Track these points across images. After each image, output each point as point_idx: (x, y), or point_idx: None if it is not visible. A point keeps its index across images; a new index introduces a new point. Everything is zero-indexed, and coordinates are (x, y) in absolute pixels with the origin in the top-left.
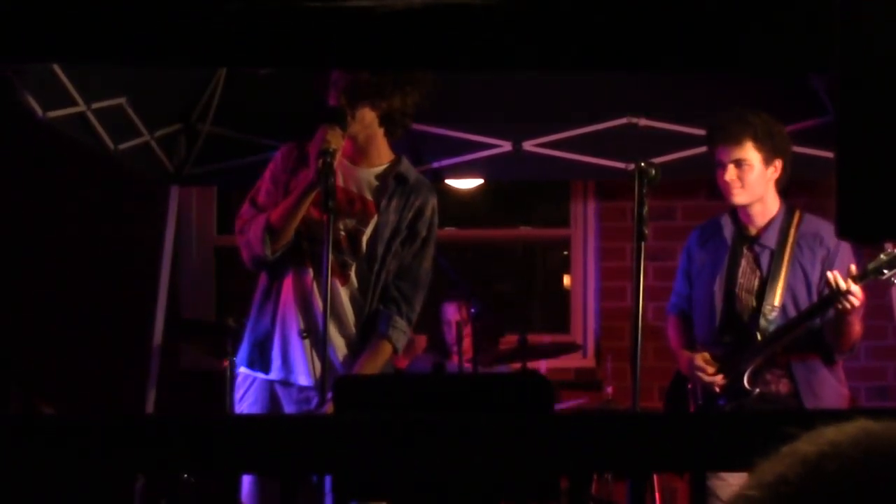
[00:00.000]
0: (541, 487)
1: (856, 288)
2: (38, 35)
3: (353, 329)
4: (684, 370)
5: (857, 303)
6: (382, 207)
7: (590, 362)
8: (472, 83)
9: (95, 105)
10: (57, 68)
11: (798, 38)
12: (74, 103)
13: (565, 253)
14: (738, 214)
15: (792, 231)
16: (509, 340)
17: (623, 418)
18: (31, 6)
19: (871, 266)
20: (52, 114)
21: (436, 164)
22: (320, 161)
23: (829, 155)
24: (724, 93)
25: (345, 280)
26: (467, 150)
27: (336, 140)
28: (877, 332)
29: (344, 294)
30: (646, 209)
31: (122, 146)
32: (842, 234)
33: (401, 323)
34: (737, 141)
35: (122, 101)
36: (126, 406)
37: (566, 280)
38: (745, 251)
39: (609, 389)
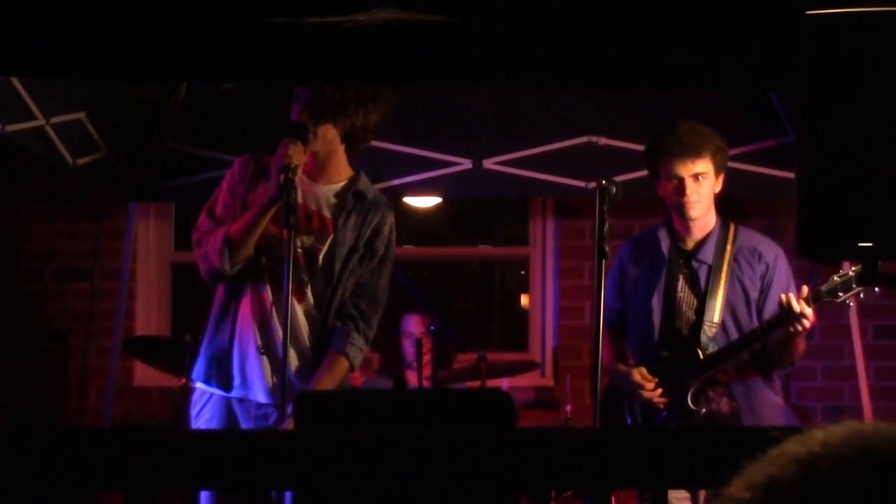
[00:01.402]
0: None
1: (809, 311)
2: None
3: (307, 344)
4: (620, 385)
5: (808, 325)
6: (340, 225)
7: (548, 381)
8: (432, 101)
9: (54, 119)
10: (16, 82)
11: (762, 57)
12: (33, 117)
13: (522, 272)
14: (675, 228)
15: (728, 246)
16: (467, 359)
17: (584, 435)
18: None
19: (824, 288)
20: (11, 128)
21: (396, 182)
22: (282, 176)
23: (789, 175)
24: (683, 112)
25: (301, 297)
26: (427, 168)
27: (298, 155)
28: (833, 353)
29: (300, 311)
30: (607, 227)
31: (81, 161)
32: (801, 253)
33: (358, 339)
34: (698, 154)
35: (81, 115)
36: (80, 422)
37: (524, 299)
38: (682, 266)
39: (568, 408)
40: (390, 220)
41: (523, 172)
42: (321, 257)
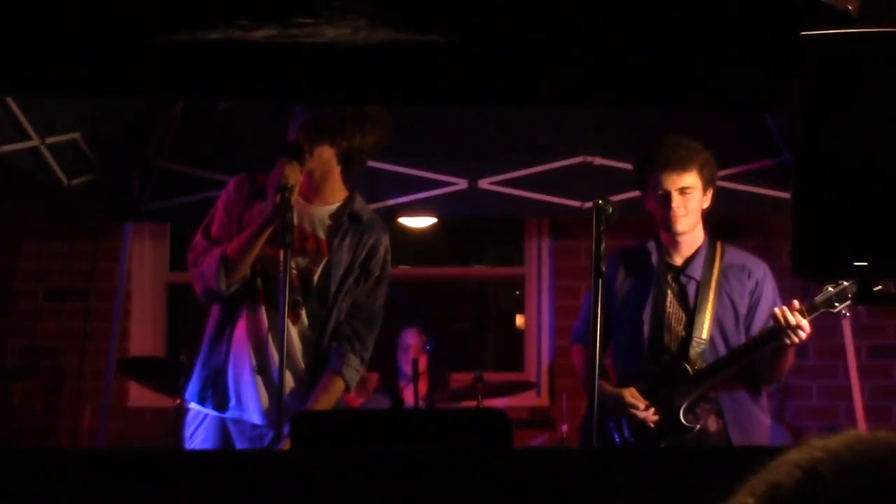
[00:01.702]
0: None
1: (804, 322)
2: None
3: (301, 364)
4: (608, 406)
5: (804, 336)
6: (335, 246)
7: (543, 401)
8: (428, 121)
9: (49, 140)
10: (11, 102)
11: (757, 76)
12: (28, 137)
13: (517, 293)
14: (664, 243)
15: (717, 262)
16: (463, 378)
17: (581, 455)
18: None
19: (819, 299)
20: (6, 148)
21: (391, 201)
22: (278, 196)
23: (783, 195)
24: (678, 132)
25: (295, 319)
26: (423, 188)
27: (294, 175)
28: (828, 372)
29: (294, 332)
30: (603, 246)
31: (76, 181)
32: (797, 272)
33: (354, 360)
34: (684, 168)
35: (76, 136)
36: (75, 443)
37: (518, 319)
38: (670, 281)
39: (564, 428)
40: (385, 241)
41: (519, 192)
42: (316, 278)
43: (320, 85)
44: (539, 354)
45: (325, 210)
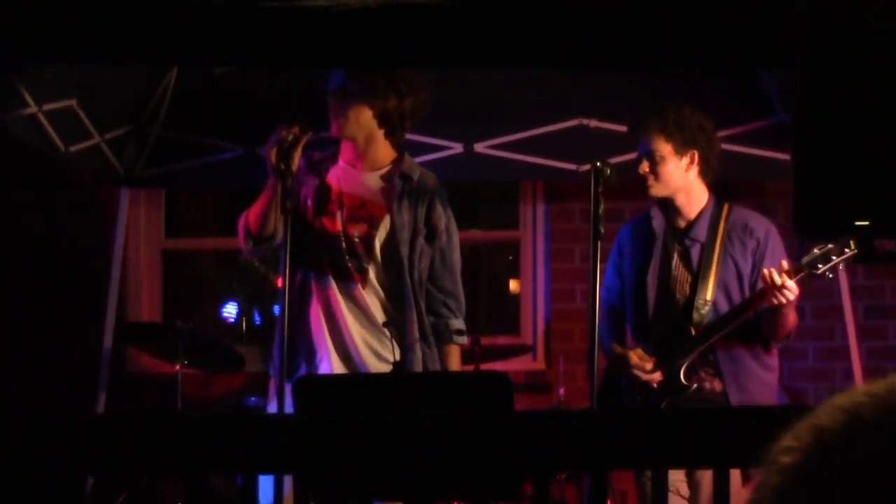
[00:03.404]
0: (502, 487)
1: (791, 283)
2: None
3: (380, 325)
4: (619, 367)
5: (792, 297)
6: (395, 209)
7: (540, 364)
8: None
9: (46, 106)
10: (8, 69)
11: (752, 36)
12: (25, 105)
13: (510, 257)
14: (667, 207)
15: (721, 224)
16: None
17: (583, 416)
18: None
19: (805, 260)
20: (3, 116)
21: None
22: (273, 151)
23: (780, 156)
24: (674, 94)
25: (364, 283)
26: (419, 152)
27: (293, 129)
28: (825, 333)
29: (365, 295)
30: (601, 208)
31: (73, 148)
32: (798, 231)
33: (455, 322)
34: (646, 133)
35: (72, 102)
36: (73, 410)
37: (513, 283)
38: (675, 245)
39: (561, 391)
40: (441, 194)
41: (515, 156)
42: (380, 244)
43: (315, 49)
44: (535, 318)
45: (374, 175)
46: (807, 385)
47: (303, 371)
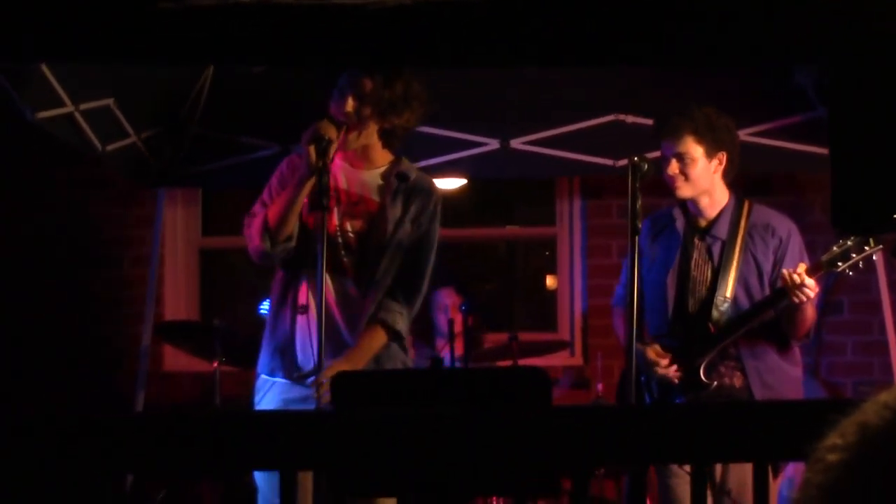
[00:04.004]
0: (541, 483)
1: (810, 281)
2: (27, 36)
3: (358, 320)
4: (639, 363)
5: (812, 295)
6: (388, 203)
7: (578, 360)
8: (459, 81)
9: (83, 106)
10: (45, 69)
11: (787, 31)
12: (63, 104)
13: (547, 253)
14: (688, 207)
15: (742, 222)
16: (497, 339)
17: (623, 412)
18: (18, 8)
19: (824, 259)
20: (41, 114)
21: (423, 163)
22: (312, 148)
23: (817, 150)
24: (709, 89)
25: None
26: (455, 149)
27: (330, 131)
28: (863, 328)
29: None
30: (639, 203)
31: (110, 147)
32: (836, 224)
33: (393, 304)
34: (677, 135)
35: (109, 102)
36: (112, 409)
37: (549, 279)
38: (696, 242)
39: (599, 387)
40: (435, 198)
41: (551, 152)
42: (369, 237)
43: (351, 48)
44: (572, 314)
45: (373, 173)
46: (845, 380)
47: (279, 367)
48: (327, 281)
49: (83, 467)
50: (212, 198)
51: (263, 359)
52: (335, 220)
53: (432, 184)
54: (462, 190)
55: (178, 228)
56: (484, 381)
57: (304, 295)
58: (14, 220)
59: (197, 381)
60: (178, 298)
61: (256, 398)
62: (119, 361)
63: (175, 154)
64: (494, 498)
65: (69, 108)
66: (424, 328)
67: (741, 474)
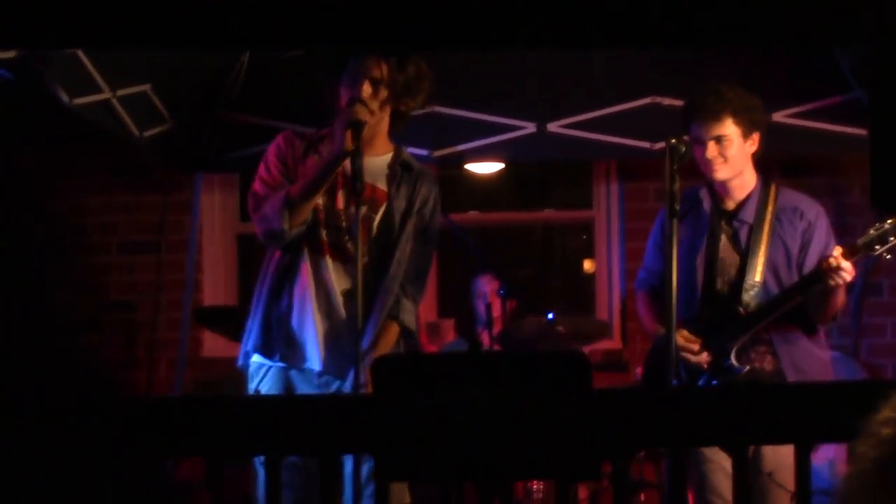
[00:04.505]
0: (581, 466)
1: (846, 264)
2: (64, 22)
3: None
4: (664, 348)
5: (848, 278)
6: (392, 193)
7: (616, 344)
8: (495, 65)
9: (120, 92)
10: (82, 55)
11: (826, 12)
12: (100, 90)
13: (584, 237)
14: (716, 189)
15: (770, 205)
16: (533, 323)
17: (663, 394)
18: None
19: (861, 242)
20: (79, 101)
21: (460, 147)
22: (348, 132)
23: (854, 131)
24: (747, 70)
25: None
26: (491, 133)
27: (364, 113)
28: None
29: (359, 275)
30: (677, 185)
31: (147, 133)
32: (876, 204)
33: (408, 304)
34: (716, 117)
35: (146, 87)
36: (152, 394)
37: (587, 263)
38: (723, 226)
39: (638, 370)
40: (435, 189)
41: (588, 135)
42: (375, 225)
43: (386, 31)
44: (610, 297)
45: (379, 160)
46: (885, 361)
47: (275, 348)
48: (329, 264)
49: (124, 452)
50: (249, 182)
51: (255, 338)
52: (340, 203)
53: (432, 176)
54: (499, 174)
55: (215, 214)
56: (524, 364)
57: (306, 278)
58: (53, 206)
59: (235, 365)
60: (216, 284)
61: (251, 385)
62: (158, 346)
63: (212, 140)
64: (535, 482)
65: (106, 94)
66: (464, 316)
67: (779, 455)
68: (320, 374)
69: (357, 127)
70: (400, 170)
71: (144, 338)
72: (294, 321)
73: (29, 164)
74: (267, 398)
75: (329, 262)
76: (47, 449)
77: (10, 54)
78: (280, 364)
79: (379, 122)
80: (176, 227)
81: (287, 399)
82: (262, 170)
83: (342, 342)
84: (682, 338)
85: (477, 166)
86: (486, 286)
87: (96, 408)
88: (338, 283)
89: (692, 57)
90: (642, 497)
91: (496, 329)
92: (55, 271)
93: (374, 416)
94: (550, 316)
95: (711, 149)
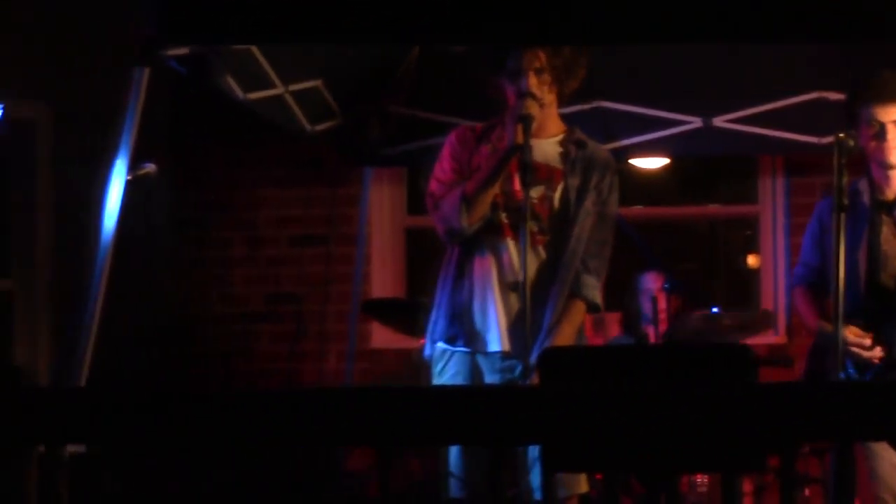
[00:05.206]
0: (748, 459)
1: None
2: (239, 19)
3: (542, 288)
4: (830, 345)
5: None
6: (567, 171)
7: (781, 339)
8: (661, 59)
9: (292, 87)
10: (256, 51)
11: None
12: (273, 85)
13: (748, 232)
14: (875, 180)
15: None
16: (698, 317)
17: (830, 388)
18: None
19: None
20: (251, 95)
21: (625, 141)
22: (518, 126)
23: None
24: None
25: (543, 243)
26: (657, 127)
27: (533, 108)
28: None
29: (536, 260)
30: (845, 180)
31: (318, 128)
32: None
33: (589, 279)
34: (891, 101)
35: (318, 83)
36: (320, 384)
37: (751, 258)
38: (883, 217)
39: (801, 366)
40: (613, 168)
41: (754, 129)
42: (555, 203)
43: (551, 27)
44: (776, 292)
45: (551, 141)
46: None
47: (459, 335)
48: (509, 245)
49: (296, 440)
50: (418, 176)
51: (440, 327)
52: (517, 185)
53: (609, 154)
54: (664, 169)
55: (384, 207)
56: (690, 357)
57: (487, 263)
58: (224, 199)
59: (403, 357)
60: (385, 276)
61: (435, 368)
62: (327, 338)
63: (381, 134)
64: (699, 475)
65: (279, 89)
66: (630, 312)
67: None
68: (503, 358)
69: (527, 121)
70: (574, 147)
71: (313, 329)
72: (476, 306)
73: (208, 157)
74: (435, 389)
75: (510, 243)
76: (225, 436)
77: (184, 50)
78: (465, 349)
79: (548, 107)
80: (345, 221)
81: (457, 389)
82: (437, 170)
83: (525, 323)
84: (852, 333)
85: (642, 161)
86: (653, 283)
87: (273, 398)
88: (518, 264)
89: (857, 52)
90: (807, 492)
91: (661, 325)
92: (226, 261)
93: (543, 407)
94: (715, 310)
95: (892, 131)
